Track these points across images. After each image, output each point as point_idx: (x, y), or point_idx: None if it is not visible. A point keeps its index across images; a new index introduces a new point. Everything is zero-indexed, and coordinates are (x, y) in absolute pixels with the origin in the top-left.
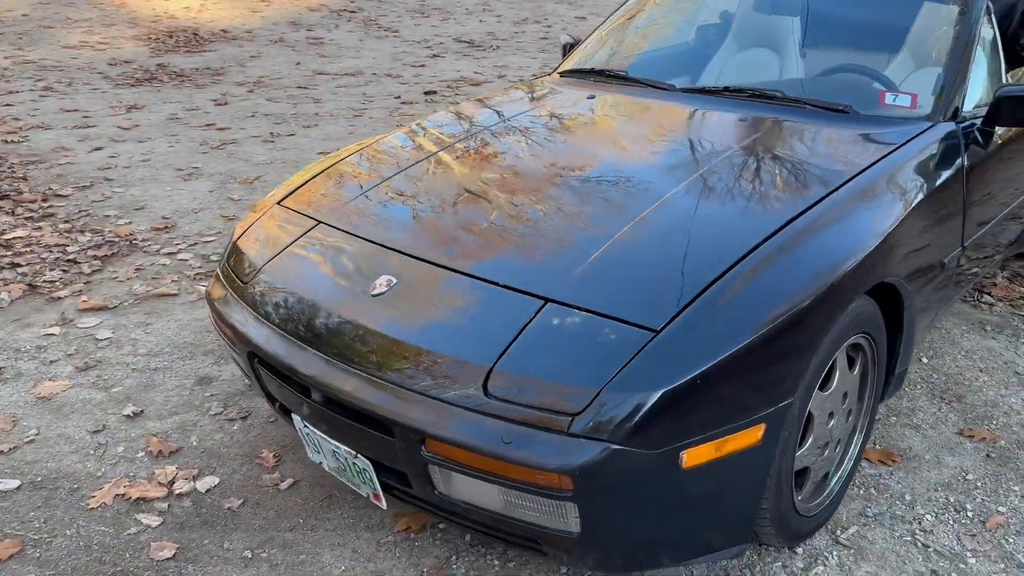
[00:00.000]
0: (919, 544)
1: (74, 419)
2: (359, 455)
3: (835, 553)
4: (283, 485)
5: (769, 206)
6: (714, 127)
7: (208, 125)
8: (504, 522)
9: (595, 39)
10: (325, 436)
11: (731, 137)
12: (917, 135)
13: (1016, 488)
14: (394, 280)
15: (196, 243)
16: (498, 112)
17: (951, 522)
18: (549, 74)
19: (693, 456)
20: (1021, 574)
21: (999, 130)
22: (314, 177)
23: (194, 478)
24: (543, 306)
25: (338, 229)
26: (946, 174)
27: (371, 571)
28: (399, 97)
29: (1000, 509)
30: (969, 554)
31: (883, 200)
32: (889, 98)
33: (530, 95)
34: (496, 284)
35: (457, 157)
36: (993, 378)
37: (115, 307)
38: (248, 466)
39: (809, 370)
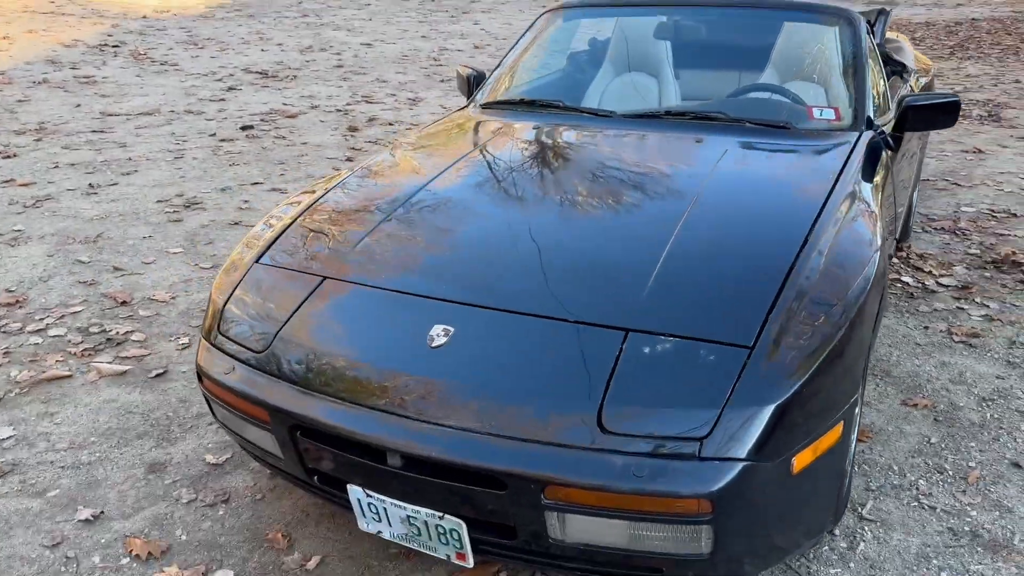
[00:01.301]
0: (926, 507)
1: (19, 535)
2: (445, 516)
3: (866, 528)
4: (310, 565)
5: (784, 214)
6: (684, 148)
7: (7, 182)
8: (626, 557)
9: (508, 70)
10: (398, 502)
11: (708, 156)
12: (855, 143)
13: (972, 444)
14: (451, 330)
15: (63, 315)
16: (453, 146)
17: (940, 483)
18: (465, 107)
19: (800, 461)
20: (1012, 518)
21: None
22: (286, 230)
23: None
24: (625, 336)
25: (354, 283)
26: (882, 173)
27: None
28: (214, 134)
29: (971, 464)
30: (968, 507)
31: (862, 200)
32: (816, 112)
33: (471, 128)
34: (567, 321)
35: (445, 194)
36: (903, 352)
37: (0, 399)
38: (260, 551)
39: (865, 365)
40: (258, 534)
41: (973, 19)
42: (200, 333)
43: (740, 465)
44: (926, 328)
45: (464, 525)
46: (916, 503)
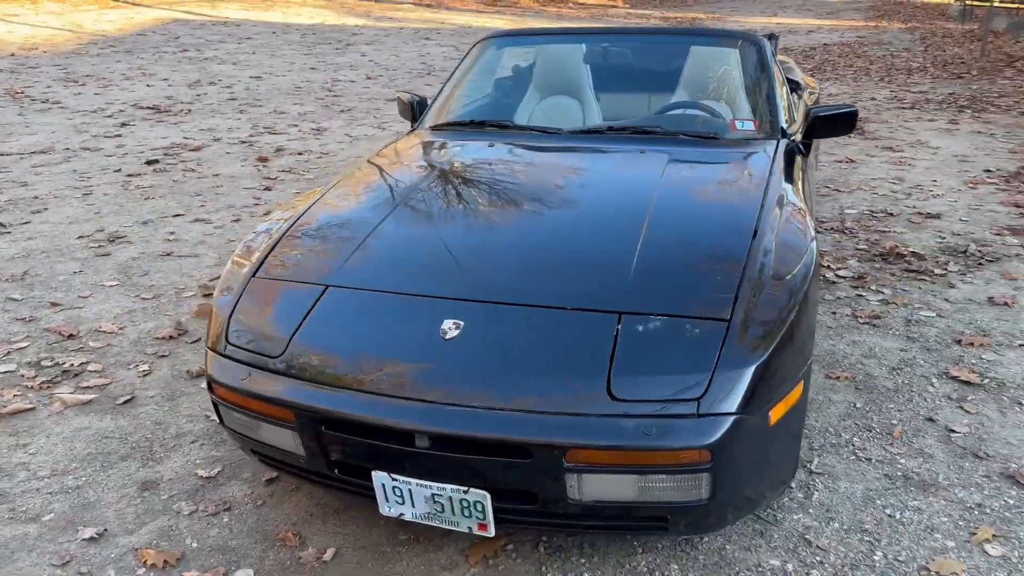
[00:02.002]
0: (862, 459)
1: (24, 559)
2: (470, 489)
3: (816, 480)
4: (326, 556)
5: (731, 209)
6: (632, 158)
7: None
8: (635, 510)
9: (450, 95)
10: (423, 481)
11: (654, 163)
12: (775, 149)
13: (891, 405)
14: (461, 323)
15: (8, 352)
16: (423, 162)
17: (871, 439)
18: (413, 130)
19: (775, 414)
20: (934, 463)
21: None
22: (277, 244)
23: None
24: (619, 318)
25: (357, 289)
26: (800, 175)
27: None
28: (119, 170)
29: (893, 422)
30: (897, 457)
31: (791, 198)
32: (738, 124)
33: (434, 146)
34: (565, 308)
35: (426, 204)
36: (819, 334)
37: None
38: (274, 550)
39: (812, 334)
40: (268, 535)
41: (825, 44)
42: (205, 346)
43: (732, 418)
44: (834, 313)
45: (488, 496)
46: (854, 457)
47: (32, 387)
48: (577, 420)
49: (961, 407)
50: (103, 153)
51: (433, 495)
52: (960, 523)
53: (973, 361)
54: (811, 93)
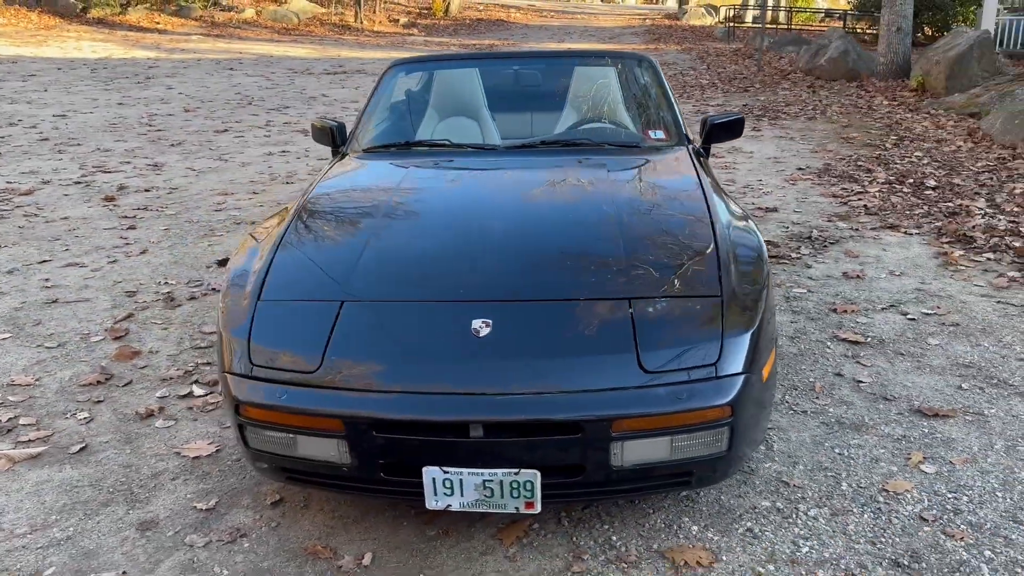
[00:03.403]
0: (799, 412)
1: None
2: (521, 470)
3: (770, 434)
4: (365, 561)
5: (684, 201)
6: (575, 166)
7: None
8: (666, 468)
9: (374, 118)
10: (475, 470)
11: (597, 169)
12: (688, 153)
13: (803, 367)
14: (489, 321)
15: None
16: (383, 182)
17: (799, 395)
18: (343, 154)
19: (766, 372)
20: (856, 408)
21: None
22: (271, 267)
23: None
24: (630, 303)
25: (372, 301)
26: (710, 174)
27: (524, 575)
28: None
29: (811, 380)
30: (826, 407)
31: (719, 191)
32: (651, 134)
33: (379, 167)
34: (579, 299)
35: (405, 214)
36: None
37: None
38: (310, 563)
39: None
40: (296, 552)
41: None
42: (222, 371)
43: (742, 377)
44: None
45: (539, 475)
46: (792, 412)
47: None
48: (619, 394)
49: (858, 362)
50: None
51: (484, 481)
52: (895, 452)
53: (852, 325)
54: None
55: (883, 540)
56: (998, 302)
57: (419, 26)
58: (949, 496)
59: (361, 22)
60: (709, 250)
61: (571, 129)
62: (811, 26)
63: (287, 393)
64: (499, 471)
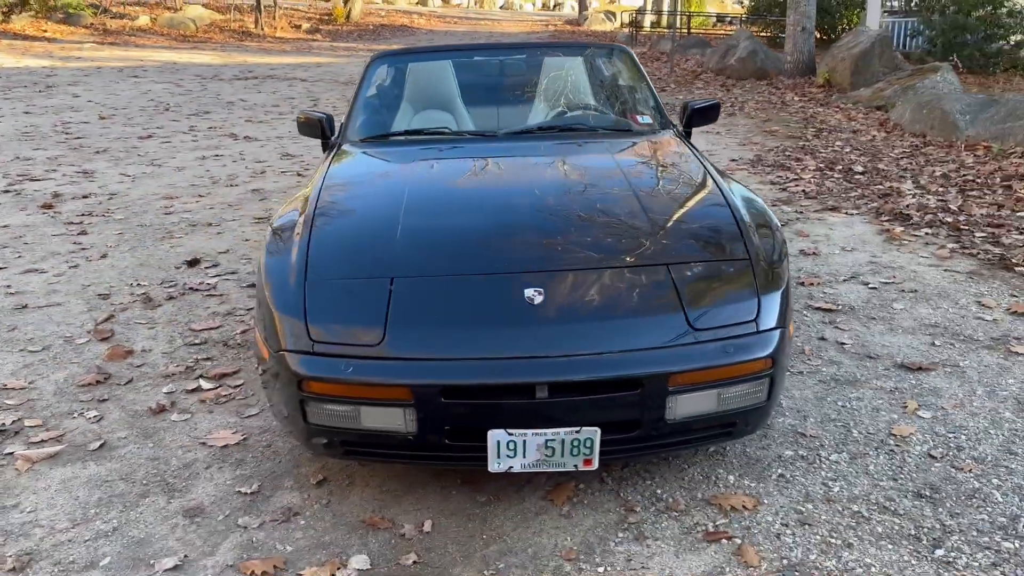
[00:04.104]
0: (797, 373)
1: None
2: (582, 428)
3: None
4: (426, 527)
5: (690, 174)
6: (578, 148)
7: None
8: (713, 420)
9: (366, 109)
10: (538, 430)
11: (599, 150)
12: (674, 135)
13: None
14: (541, 290)
15: None
16: (391, 165)
17: (792, 358)
18: (338, 145)
19: (791, 329)
20: (846, 367)
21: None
22: (308, 249)
23: (343, 565)
24: (668, 268)
25: (421, 277)
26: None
27: (585, 529)
28: None
29: (799, 344)
30: (819, 367)
31: (714, 166)
32: (639, 118)
33: (385, 153)
34: (621, 267)
35: (427, 194)
36: None
37: None
38: (372, 533)
39: None
40: (355, 525)
41: None
42: (275, 351)
43: (779, 331)
44: None
45: (599, 431)
46: (789, 373)
47: None
48: (673, 351)
49: (837, 327)
50: None
51: (547, 441)
52: (892, 402)
53: (821, 295)
54: None
55: (902, 476)
56: (945, 270)
57: (322, 31)
58: (949, 436)
59: (262, 28)
60: (726, 217)
61: (564, 115)
62: (707, 30)
63: (354, 366)
64: (561, 430)
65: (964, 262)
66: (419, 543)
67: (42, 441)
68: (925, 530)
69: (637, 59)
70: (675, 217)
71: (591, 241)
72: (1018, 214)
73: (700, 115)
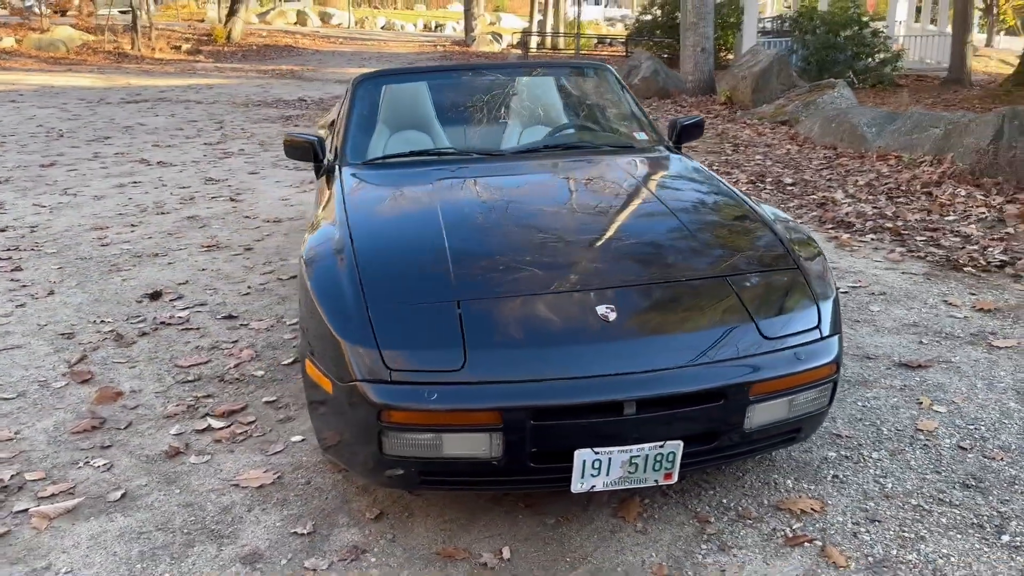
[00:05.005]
0: None
1: None
2: (666, 443)
3: None
4: (505, 554)
5: (711, 188)
6: (591, 165)
7: None
8: (784, 427)
9: (364, 131)
10: (624, 447)
11: (614, 166)
12: (675, 151)
13: None
14: (613, 307)
15: None
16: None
17: None
18: (336, 167)
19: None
20: (851, 369)
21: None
22: (360, 276)
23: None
24: (727, 280)
25: (487, 299)
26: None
27: (667, 544)
28: None
29: None
30: None
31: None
32: (637, 135)
33: (401, 175)
34: (682, 280)
35: (462, 214)
36: None
37: None
38: (451, 564)
39: None
40: (429, 558)
41: None
42: (344, 382)
43: (837, 336)
44: None
45: (682, 444)
46: None
47: None
48: (752, 360)
49: None
50: None
51: (631, 458)
52: (907, 399)
53: None
54: None
55: (943, 468)
56: (902, 273)
57: (204, 52)
58: (970, 428)
59: (139, 49)
60: (763, 229)
61: (568, 133)
62: (590, 51)
63: (438, 392)
64: (646, 446)
65: (916, 264)
66: (503, 571)
67: (53, 495)
68: (985, 518)
69: (620, 78)
70: (715, 231)
71: (645, 257)
72: (946, 218)
73: (687, 131)
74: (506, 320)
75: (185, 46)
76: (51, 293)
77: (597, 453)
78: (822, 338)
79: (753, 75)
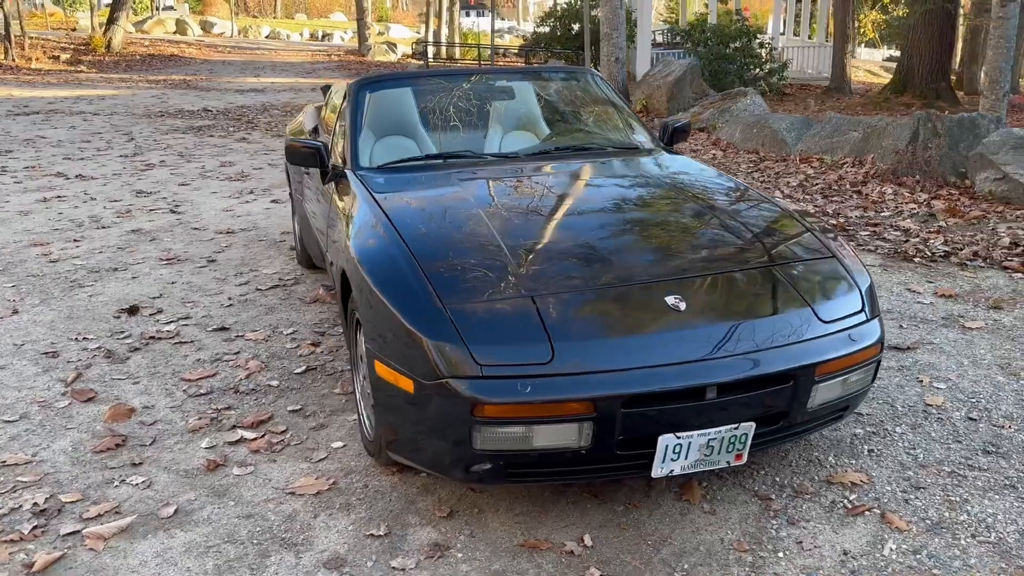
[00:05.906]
0: None
1: None
2: (740, 425)
3: None
4: (587, 541)
5: (727, 184)
6: (605, 165)
7: None
8: (837, 405)
9: (372, 137)
10: (703, 431)
11: (628, 166)
12: (672, 151)
13: None
14: (680, 296)
15: None
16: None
17: None
18: (343, 173)
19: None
20: None
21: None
22: (426, 276)
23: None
24: (773, 268)
25: (559, 293)
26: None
27: (738, 522)
28: None
29: None
30: None
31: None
32: (638, 138)
33: (430, 177)
34: (734, 271)
35: (506, 214)
36: None
37: None
38: (538, 554)
39: None
40: (515, 551)
41: None
42: (431, 380)
43: (878, 319)
44: None
45: (754, 426)
46: None
47: (19, 538)
48: (816, 343)
49: None
50: None
51: (708, 441)
52: (908, 378)
53: None
54: None
55: (963, 438)
56: None
57: (85, 63)
58: (972, 401)
59: (13, 60)
60: (788, 219)
61: (575, 136)
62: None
63: (531, 385)
64: (723, 428)
65: (869, 257)
66: (591, 558)
67: (99, 516)
68: (1015, 479)
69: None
70: (749, 223)
71: (692, 248)
72: (882, 214)
73: (677, 134)
74: (583, 313)
75: (64, 56)
76: (15, 312)
77: (679, 438)
78: (868, 320)
79: (667, 84)
